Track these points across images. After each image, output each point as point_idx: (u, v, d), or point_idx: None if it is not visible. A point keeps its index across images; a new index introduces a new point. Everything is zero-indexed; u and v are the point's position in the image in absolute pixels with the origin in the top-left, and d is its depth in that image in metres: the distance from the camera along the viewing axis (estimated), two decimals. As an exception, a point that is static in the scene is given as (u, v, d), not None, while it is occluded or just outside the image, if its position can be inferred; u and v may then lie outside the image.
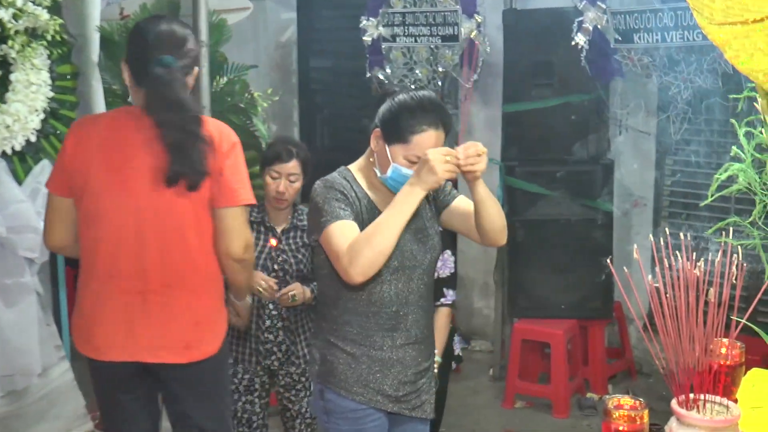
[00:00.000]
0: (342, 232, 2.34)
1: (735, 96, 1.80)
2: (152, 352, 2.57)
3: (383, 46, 5.14)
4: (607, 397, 1.75)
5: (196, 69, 2.63)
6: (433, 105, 2.39)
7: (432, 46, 5.06)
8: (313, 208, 2.45)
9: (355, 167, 2.55)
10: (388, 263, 2.40)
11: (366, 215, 2.44)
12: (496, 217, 2.47)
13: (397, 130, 2.38)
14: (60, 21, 3.64)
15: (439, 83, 5.15)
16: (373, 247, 2.28)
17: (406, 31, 5.10)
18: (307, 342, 3.40)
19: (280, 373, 3.43)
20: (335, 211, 2.38)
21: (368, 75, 5.24)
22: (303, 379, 3.44)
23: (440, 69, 5.08)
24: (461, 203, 2.61)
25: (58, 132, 3.70)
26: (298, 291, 3.25)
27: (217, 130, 2.57)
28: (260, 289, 3.18)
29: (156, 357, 2.58)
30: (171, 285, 2.55)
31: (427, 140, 2.36)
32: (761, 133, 1.66)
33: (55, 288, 4.10)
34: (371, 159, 2.50)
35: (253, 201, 2.64)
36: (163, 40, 2.53)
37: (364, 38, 5.15)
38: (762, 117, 1.59)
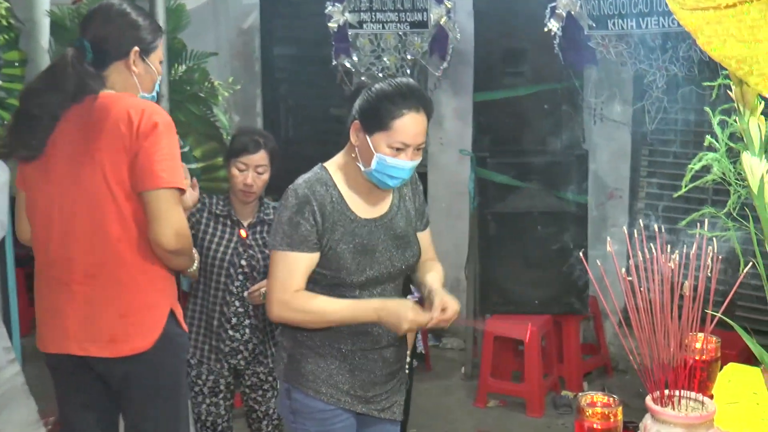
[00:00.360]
0: (289, 268, 2.41)
1: (708, 84, 1.82)
2: (79, 344, 2.58)
3: (350, 33, 5.12)
4: (581, 394, 1.76)
5: (134, 49, 2.62)
6: (412, 89, 2.41)
7: (400, 33, 5.05)
8: (279, 216, 2.45)
9: (333, 166, 2.53)
10: (365, 273, 2.46)
11: (336, 216, 2.45)
12: None
13: (377, 119, 2.38)
14: (6, 5, 3.60)
15: (408, 71, 5.15)
16: (303, 320, 2.46)
17: (374, 17, 5.09)
18: (275, 341, 3.39)
19: (246, 373, 3.42)
20: (296, 239, 2.40)
21: (334, 63, 5.22)
22: (270, 378, 3.44)
23: (409, 57, 5.07)
24: (424, 239, 2.70)
25: (6, 122, 3.65)
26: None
27: (138, 110, 2.50)
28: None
29: (83, 350, 2.58)
30: (94, 275, 2.55)
31: (408, 124, 2.37)
32: (735, 121, 1.67)
33: (5, 288, 4.05)
34: (353, 155, 2.48)
35: (181, 185, 2.54)
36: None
37: (330, 24, 5.13)
38: (736, 105, 1.61)
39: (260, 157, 3.31)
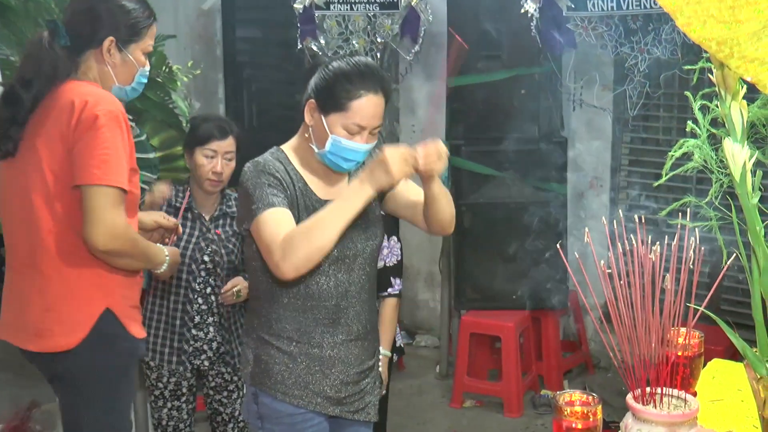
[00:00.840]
0: (275, 221, 2.33)
1: (689, 67, 1.83)
2: (13, 333, 2.62)
3: (316, 15, 5.10)
4: (559, 393, 1.77)
5: (109, 38, 2.58)
6: (370, 69, 2.40)
7: (369, 15, 5.04)
8: (243, 194, 2.42)
9: (288, 147, 2.54)
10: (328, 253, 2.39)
11: (302, 200, 2.44)
12: (447, 209, 2.54)
13: (333, 98, 2.38)
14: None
15: (378, 55, 5.14)
16: (310, 243, 2.26)
17: (341, -3, 5.07)
18: (240, 340, 3.38)
19: (210, 373, 3.42)
20: (267, 197, 2.36)
21: (300, 46, 5.20)
22: (236, 378, 3.44)
23: (379, 40, 5.07)
24: (409, 190, 2.63)
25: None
26: (242, 285, 3.26)
27: (82, 99, 2.46)
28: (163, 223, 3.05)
29: (15, 339, 2.62)
30: (26, 266, 2.57)
31: (366, 106, 2.37)
32: (717, 107, 1.69)
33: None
34: (306, 135, 2.48)
35: (119, 184, 2.45)
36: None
37: (295, 6, 5.11)
38: (717, 89, 1.62)
39: (228, 144, 3.33)
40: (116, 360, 2.63)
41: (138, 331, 2.68)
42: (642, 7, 4.14)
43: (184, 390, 3.42)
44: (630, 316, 1.70)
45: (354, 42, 5.12)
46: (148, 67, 2.68)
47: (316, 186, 2.50)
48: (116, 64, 2.59)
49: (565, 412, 1.72)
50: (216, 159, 3.30)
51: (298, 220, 2.39)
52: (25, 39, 4.01)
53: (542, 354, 5.08)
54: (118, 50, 2.58)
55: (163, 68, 4.30)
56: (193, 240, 3.32)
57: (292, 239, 2.28)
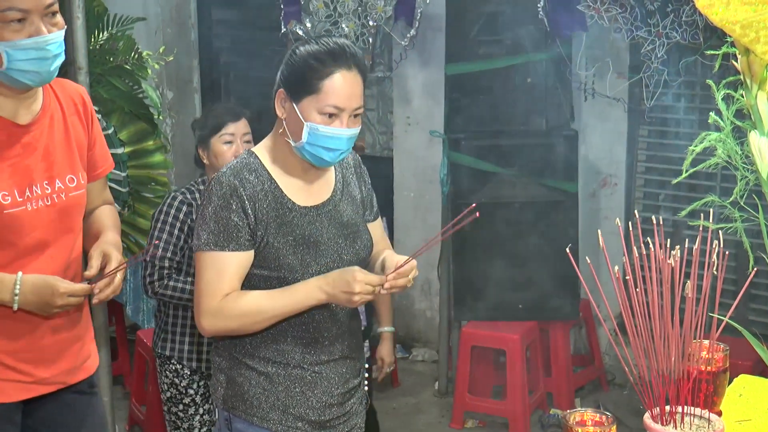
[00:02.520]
0: (218, 271, 2.38)
1: (712, 53, 1.83)
2: None
3: (301, -5, 5.10)
4: (570, 412, 1.78)
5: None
6: (340, 46, 2.39)
7: (360, -5, 5.04)
8: (203, 211, 2.42)
9: (262, 149, 2.52)
10: (309, 269, 2.42)
11: (273, 214, 2.42)
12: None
13: (302, 81, 2.37)
14: None
15: (370, 40, 5.14)
16: (240, 326, 2.40)
17: (329, -24, 5.08)
18: None
19: None
20: (223, 236, 2.37)
21: (284, 30, 5.20)
22: None
23: (370, 23, 5.06)
24: (376, 230, 2.69)
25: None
26: None
27: None
28: None
29: None
30: None
31: (339, 84, 2.35)
32: (742, 96, 1.69)
33: None
34: (280, 130, 2.46)
35: None
36: None
37: (278, -15, 5.11)
38: (742, 78, 1.63)
39: (244, 125, 3.48)
40: None
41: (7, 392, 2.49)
42: (660, -14, 4.15)
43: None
44: (647, 327, 1.70)
45: (343, 25, 5.12)
46: (22, 39, 2.29)
47: (295, 191, 2.48)
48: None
49: (576, 433, 1.72)
50: (235, 143, 3.44)
51: (268, 229, 2.40)
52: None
53: (551, 369, 5.08)
54: None
55: (132, 54, 4.30)
56: None
57: (224, 313, 2.37)
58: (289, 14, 5.15)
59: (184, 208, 3.43)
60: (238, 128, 3.46)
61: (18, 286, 2.34)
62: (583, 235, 4.93)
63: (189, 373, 3.49)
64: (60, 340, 2.55)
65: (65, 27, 2.39)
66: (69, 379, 2.60)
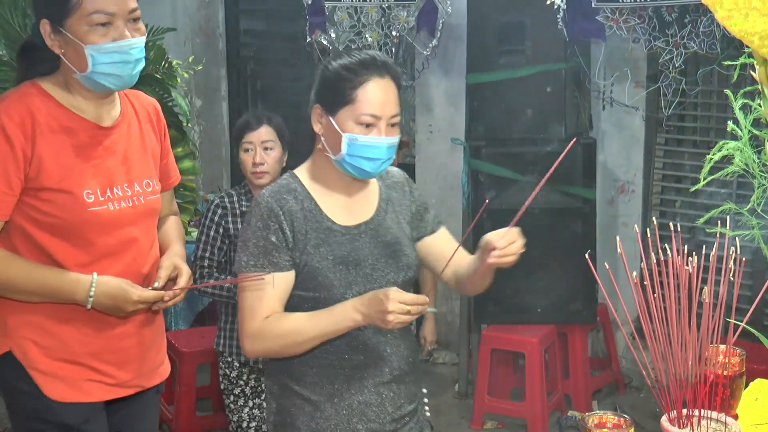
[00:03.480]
0: (259, 294, 2.33)
1: (729, 63, 1.83)
2: None
3: (326, 6, 5.12)
4: (588, 414, 1.77)
5: (42, 22, 2.36)
6: (371, 56, 2.36)
7: (384, 6, 5.05)
8: (243, 232, 2.40)
9: (302, 170, 2.47)
10: (351, 290, 2.34)
11: (312, 234, 2.36)
12: (486, 284, 2.54)
13: (336, 93, 2.33)
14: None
15: (393, 50, 5.15)
16: (279, 347, 2.35)
17: (353, -13, 5.09)
18: None
19: None
20: (263, 258, 2.33)
21: (309, 40, 5.22)
22: None
23: (394, 33, 5.07)
24: (442, 240, 2.58)
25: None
26: None
27: None
28: None
29: None
30: None
31: (373, 92, 2.30)
32: (760, 105, 1.68)
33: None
34: (319, 146, 2.41)
35: None
36: None
37: (304, -4, 5.12)
38: (760, 87, 1.62)
39: (265, 132, 3.53)
40: (19, 419, 2.52)
41: (57, 392, 2.46)
42: (678, -3, 4.13)
43: (263, 388, 3.57)
44: (665, 331, 1.70)
45: (367, 35, 5.13)
46: (107, 43, 2.31)
47: (336, 210, 2.41)
48: (64, 50, 2.35)
49: (595, 436, 1.72)
50: (254, 150, 3.51)
51: (306, 248, 2.34)
52: (13, 32, 4.04)
53: (569, 372, 5.07)
54: (57, 32, 2.33)
55: (162, 63, 4.32)
56: None
57: (264, 334, 2.32)
58: (314, 24, 5.17)
59: (219, 211, 3.55)
60: (257, 136, 3.52)
61: (93, 287, 2.37)
62: (601, 240, 4.92)
63: (238, 365, 3.59)
64: (138, 342, 2.57)
65: (146, 33, 2.42)
66: (145, 383, 2.62)
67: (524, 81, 4.82)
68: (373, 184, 2.51)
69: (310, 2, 5.13)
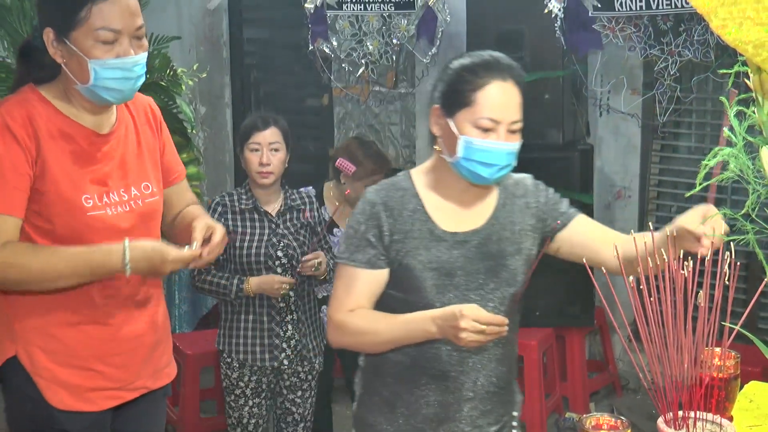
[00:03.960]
0: (348, 286, 2.28)
1: (724, 71, 1.83)
2: None
3: (328, 15, 5.12)
4: (586, 416, 1.77)
5: (46, 30, 2.31)
6: (496, 57, 2.24)
7: (384, 15, 5.06)
8: (348, 222, 2.34)
9: (419, 170, 2.36)
10: (444, 297, 2.24)
11: (412, 226, 2.27)
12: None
13: (456, 94, 2.18)
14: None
15: (393, 58, 5.15)
16: (357, 344, 2.32)
17: (354, -4, 5.09)
18: (314, 333, 3.69)
19: (287, 372, 3.65)
20: (357, 251, 2.27)
21: (311, 48, 5.22)
22: (310, 378, 3.71)
23: (394, 41, 5.08)
24: (584, 227, 2.42)
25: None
26: (323, 259, 3.55)
27: None
28: (285, 290, 3.50)
29: None
30: None
31: (493, 94, 2.17)
32: (754, 113, 1.68)
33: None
34: (437, 148, 2.28)
35: None
36: None
37: (306, 5, 5.13)
38: (754, 95, 1.62)
39: (272, 134, 3.57)
40: (18, 424, 2.49)
41: (60, 400, 2.42)
42: (673, 6, 4.13)
43: (264, 387, 3.65)
44: (661, 334, 1.70)
45: (368, 44, 5.14)
46: (110, 58, 2.28)
47: (445, 216, 2.29)
48: (67, 61, 2.31)
49: (592, 437, 1.72)
50: (261, 151, 3.54)
51: (403, 249, 2.25)
52: (21, 39, 4.05)
53: (567, 374, 5.06)
54: (60, 42, 2.29)
55: (167, 71, 4.34)
56: (265, 238, 3.56)
57: (345, 328, 2.27)
58: (316, 33, 5.18)
59: (219, 209, 3.58)
60: (264, 137, 3.55)
61: (128, 254, 2.30)
62: (598, 245, 4.90)
63: (238, 366, 3.59)
64: (144, 343, 2.54)
65: (148, 49, 2.39)
66: (151, 384, 2.59)
67: (522, 88, 4.82)
68: (492, 192, 2.37)
69: (312, 11, 5.13)
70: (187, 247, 2.40)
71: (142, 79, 2.39)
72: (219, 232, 2.47)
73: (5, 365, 2.42)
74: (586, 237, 2.39)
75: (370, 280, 2.27)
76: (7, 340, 2.42)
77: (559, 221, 2.39)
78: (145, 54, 2.37)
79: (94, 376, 2.45)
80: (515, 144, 2.23)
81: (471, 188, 2.29)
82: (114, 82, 2.30)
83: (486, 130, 2.17)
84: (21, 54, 2.46)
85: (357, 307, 2.27)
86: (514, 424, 2.44)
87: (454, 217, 2.30)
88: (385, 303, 2.30)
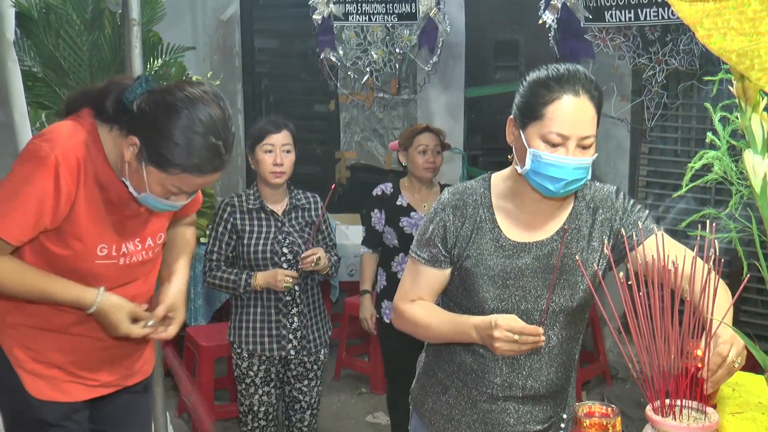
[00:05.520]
0: (414, 278, 2.27)
1: (708, 78, 1.83)
2: None
3: (335, 26, 5.13)
4: (578, 404, 1.77)
5: (131, 139, 2.21)
6: (571, 71, 2.08)
7: (388, 26, 5.06)
8: (425, 218, 2.30)
9: (498, 175, 2.27)
10: (501, 305, 2.17)
11: (477, 231, 2.20)
12: None
13: (528, 108, 2.08)
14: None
15: (396, 66, 5.16)
16: (412, 331, 2.28)
17: (360, 8, 5.09)
18: (318, 325, 3.69)
19: (294, 362, 3.67)
20: (423, 248, 2.23)
21: (319, 57, 5.22)
22: (315, 367, 3.72)
23: (397, 50, 5.08)
24: (652, 248, 1.93)
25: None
26: (322, 255, 3.56)
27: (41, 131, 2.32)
28: (288, 283, 3.50)
29: None
30: None
31: (564, 110, 2.03)
32: (737, 118, 1.68)
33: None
34: (511, 157, 2.19)
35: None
36: None
37: (314, 17, 5.13)
38: (737, 101, 1.62)
39: (284, 136, 3.58)
40: (4, 412, 2.47)
41: (39, 390, 2.41)
42: (660, 18, 4.13)
43: (273, 377, 3.67)
44: (649, 327, 1.70)
45: (372, 53, 5.14)
46: (163, 202, 2.25)
47: (513, 224, 2.20)
48: (132, 168, 2.22)
49: (585, 424, 1.72)
50: (274, 152, 3.54)
51: (466, 252, 2.19)
52: (46, 51, 4.06)
53: (560, 365, 5.05)
54: (138, 159, 2.19)
55: (183, 79, 4.33)
56: (271, 236, 3.57)
57: (404, 316, 2.27)
58: (323, 43, 5.18)
59: (228, 209, 3.59)
60: (278, 139, 3.56)
61: (98, 301, 2.29)
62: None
63: (247, 356, 3.61)
64: (114, 355, 2.50)
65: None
66: (126, 382, 2.57)
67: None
68: (568, 204, 2.23)
69: (320, 22, 5.14)
70: (144, 322, 2.36)
71: None
72: (176, 322, 2.44)
73: None
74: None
75: (432, 277, 2.24)
76: None
77: (634, 237, 2.13)
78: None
79: (68, 373, 2.43)
80: (586, 159, 2.09)
81: (543, 199, 2.17)
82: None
83: (555, 144, 2.04)
84: (108, 86, 2.30)
85: (418, 298, 2.26)
86: (562, 426, 2.33)
87: (523, 226, 2.20)
88: (448, 299, 2.28)
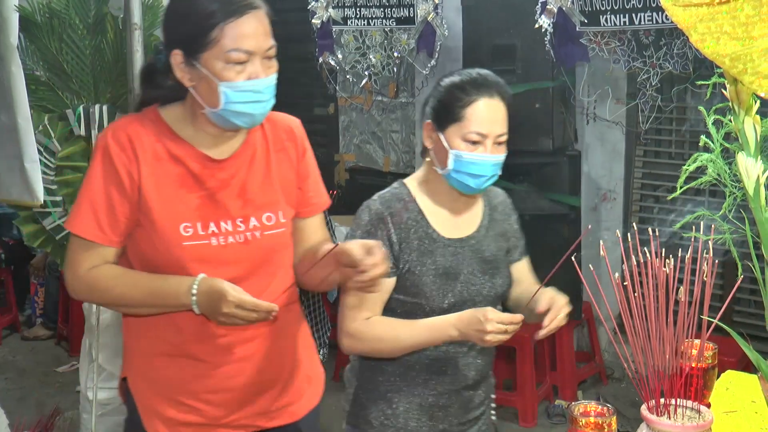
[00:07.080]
0: (362, 296, 2.21)
1: (702, 82, 1.83)
2: None
3: (334, 30, 5.12)
4: (574, 403, 1.77)
5: (174, 53, 2.06)
6: (484, 76, 2.25)
7: (386, 30, 5.06)
8: (352, 235, 2.26)
9: (413, 180, 2.36)
10: (446, 299, 2.25)
11: (415, 235, 2.27)
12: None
13: (447, 110, 2.21)
14: (-27, 1, 3.55)
15: (395, 69, 5.15)
16: (375, 350, 2.27)
17: (358, 13, 5.09)
18: (317, 326, 3.67)
19: None
20: None
21: (318, 61, 5.22)
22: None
23: (395, 54, 5.08)
24: (522, 270, 2.50)
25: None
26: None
27: (103, 132, 2.17)
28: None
29: None
30: None
31: (482, 110, 2.19)
32: (730, 121, 1.69)
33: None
34: (427, 159, 2.31)
35: (77, 232, 2.08)
36: None
37: (313, 21, 5.13)
38: (730, 104, 1.63)
39: None
40: None
41: (154, 428, 2.18)
42: (654, 22, 4.13)
43: None
44: (644, 327, 1.70)
45: (371, 56, 5.14)
46: (241, 81, 2.04)
47: (441, 222, 2.31)
48: (195, 84, 2.05)
49: (580, 423, 1.72)
50: None
51: (410, 257, 2.24)
52: (50, 55, 4.05)
53: (556, 364, 5.06)
54: (189, 65, 2.03)
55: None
56: None
57: (363, 335, 2.24)
58: (322, 47, 5.18)
59: None
60: None
61: (195, 287, 2.02)
62: (586, 244, 4.91)
63: None
64: (241, 384, 2.18)
65: (277, 70, 2.15)
66: (264, 423, 2.24)
67: (515, 98, 4.79)
68: (478, 201, 2.40)
69: (319, 26, 5.13)
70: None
71: (272, 102, 2.15)
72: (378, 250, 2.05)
73: (122, 383, 2.26)
74: (518, 279, 2.47)
75: (382, 288, 2.21)
76: (125, 361, 2.26)
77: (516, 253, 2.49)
78: (275, 76, 2.14)
79: (188, 410, 2.16)
80: (501, 156, 2.26)
81: (461, 197, 2.32)
82: (245, 106, 2.04)
83: (474, 143, 2.19)
84: (143, 76, 2.21)
85: (371, 314, 2.25)
86: (493, 405, 2.51)
87: (449, 224, 2.32)
88: (392, 306, 2.28)
